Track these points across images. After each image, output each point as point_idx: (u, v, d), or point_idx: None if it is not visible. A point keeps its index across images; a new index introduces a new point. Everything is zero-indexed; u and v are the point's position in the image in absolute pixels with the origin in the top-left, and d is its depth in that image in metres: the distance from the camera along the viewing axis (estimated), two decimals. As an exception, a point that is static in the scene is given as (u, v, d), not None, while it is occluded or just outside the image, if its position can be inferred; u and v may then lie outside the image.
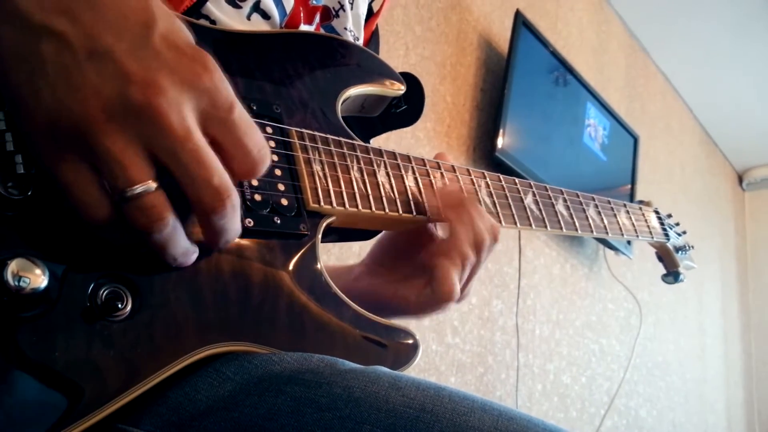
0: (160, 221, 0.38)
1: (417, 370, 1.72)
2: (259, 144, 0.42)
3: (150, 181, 0.38)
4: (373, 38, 0.79)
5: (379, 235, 0.71)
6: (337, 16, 0.71)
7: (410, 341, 0.58)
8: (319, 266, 0.54)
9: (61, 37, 0.36)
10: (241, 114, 0.41)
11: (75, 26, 0.36)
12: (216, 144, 0.40)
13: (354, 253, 1.58)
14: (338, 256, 1.55)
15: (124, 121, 0.36)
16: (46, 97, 0.36)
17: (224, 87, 0.40)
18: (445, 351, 1.85)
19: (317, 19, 0.70)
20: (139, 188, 0.37)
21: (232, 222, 0.41)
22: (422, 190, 0.65)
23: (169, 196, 0.39)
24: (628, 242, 2.61)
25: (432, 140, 1.91)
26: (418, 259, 0.65)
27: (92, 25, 0.36)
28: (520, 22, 2.16)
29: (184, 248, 0.42)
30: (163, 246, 0.40)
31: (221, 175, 0.39)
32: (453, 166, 0.70)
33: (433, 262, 0.61)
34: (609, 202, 0.89)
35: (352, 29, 0.72)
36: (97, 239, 0.42)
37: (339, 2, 0.71)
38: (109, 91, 0.36)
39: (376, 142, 0.71)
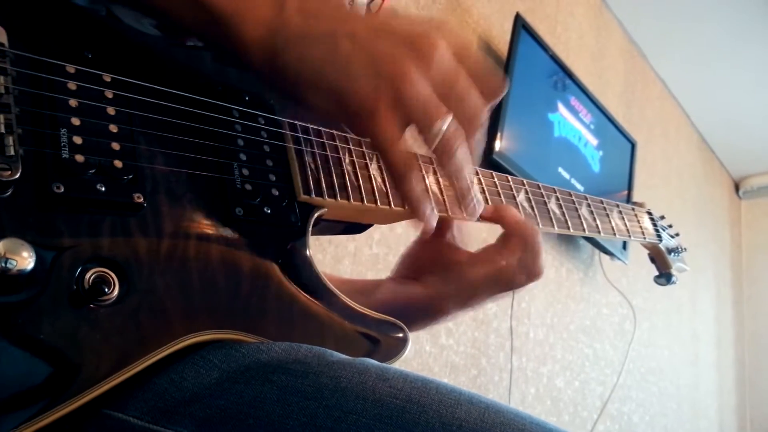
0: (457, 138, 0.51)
1: (410, 370, 1.72)
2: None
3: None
4: None
5: (402, 252, 0.72)
6: None
7: (400, 334, 0.57)
8: (308, 256, 0.54)
9: (350, 35, 0.48)
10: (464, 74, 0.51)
11: (346, 24, 0.49)
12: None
13: (349, 252, 1.57)
14: (333, 255, 1.55)
15: (386, 91, 0.48)
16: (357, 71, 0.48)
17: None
18: (439, 352, 1.85)
19: None
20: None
21: (465, 153, 0.52)
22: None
23: None
24: (624, 247, 2.61)
25: (429, 141, 1.91)
26: (443, 270, 0.67)
27: (353, 23, 0.50)
28: (520, 25, 2.16)
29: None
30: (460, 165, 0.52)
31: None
32: None
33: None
34: (602, 202, 0.89)
35: None
36: (86, 222, 0.42)
37: None
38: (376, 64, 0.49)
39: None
